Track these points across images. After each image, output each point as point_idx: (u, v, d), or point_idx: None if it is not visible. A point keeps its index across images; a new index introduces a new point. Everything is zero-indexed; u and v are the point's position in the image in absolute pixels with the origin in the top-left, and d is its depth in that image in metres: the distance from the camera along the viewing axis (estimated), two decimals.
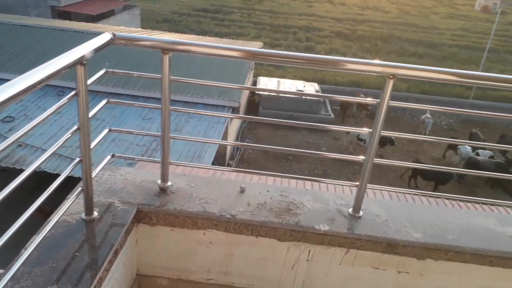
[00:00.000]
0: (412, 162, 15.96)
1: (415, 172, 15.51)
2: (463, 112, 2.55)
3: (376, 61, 2.21)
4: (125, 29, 18.69)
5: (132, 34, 2.27)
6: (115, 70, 2.36)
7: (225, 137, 14.47)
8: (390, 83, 2.08)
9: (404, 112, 22.55)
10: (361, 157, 2.31)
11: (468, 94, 23.64)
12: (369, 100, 2.40)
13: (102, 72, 2.22)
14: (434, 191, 15.32)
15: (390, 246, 2.23)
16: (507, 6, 47.20)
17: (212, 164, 13.05)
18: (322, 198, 2.51)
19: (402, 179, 16.07)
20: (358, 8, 49.83)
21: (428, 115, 20.55)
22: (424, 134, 20.13)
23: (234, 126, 17.41)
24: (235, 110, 15.05)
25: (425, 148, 19.19)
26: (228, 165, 15.78)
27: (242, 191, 2.45)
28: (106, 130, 2.43)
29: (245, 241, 2.25)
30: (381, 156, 17.66)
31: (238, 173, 3.44)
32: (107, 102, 2.35)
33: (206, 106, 14.41)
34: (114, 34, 2.03)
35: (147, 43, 2.20)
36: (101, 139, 2.29)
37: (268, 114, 19.39)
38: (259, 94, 20.76)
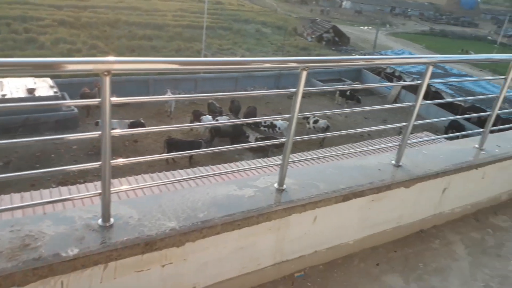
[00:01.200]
0: (165, 140, 16.66)
1: (170, 148, 16.27)
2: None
3: (89, 58, 2.04)
4: None
5: None
6: None
7: None
8: (107, 80, 1.94)
9: (147, 95, 23.02)
10: (97, 163, 2.13)
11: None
12: (90, 101, 2.20)
13: None
14: (190, 162, 16.48)
15: (149, 245, 2.19)
16: None
17: None
18: (66, 218, 2.22)
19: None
20: None
21: (170, 93, 21.69)
22: (170, 112, 21.21)
23: None
24: None
25: (172, 123, 20.25)
26: None
27: None
28: None
29: None
30: (135, 141, 17.65)
31: None
32: None
33: None
34: None
35: None
36: None
37: None
38: None
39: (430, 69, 2.99)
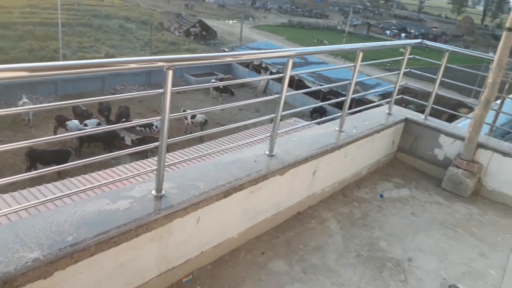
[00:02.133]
0: (26, 153, 14.81)
1: (33, 161, 14.57)
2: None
3: None
4: None
5: None
6: None
7: None
8: None
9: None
10: None
11: None
12: None
13: None
14: (58, 173, 15.00)
15: (7, 283, 1.88)
16: None
17: None
18: None
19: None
20: None
21: (26, 100, 19.46)
22: (28, 120, 18.99)
23: None
24: None
25: (34, 133, 18.17)
26: None
27: None
28: None
29: None
30: None
31: None
32: None
33: None
34: None
35: None
36: None
37: None
38: None
39: (291, 61, 3.16)
